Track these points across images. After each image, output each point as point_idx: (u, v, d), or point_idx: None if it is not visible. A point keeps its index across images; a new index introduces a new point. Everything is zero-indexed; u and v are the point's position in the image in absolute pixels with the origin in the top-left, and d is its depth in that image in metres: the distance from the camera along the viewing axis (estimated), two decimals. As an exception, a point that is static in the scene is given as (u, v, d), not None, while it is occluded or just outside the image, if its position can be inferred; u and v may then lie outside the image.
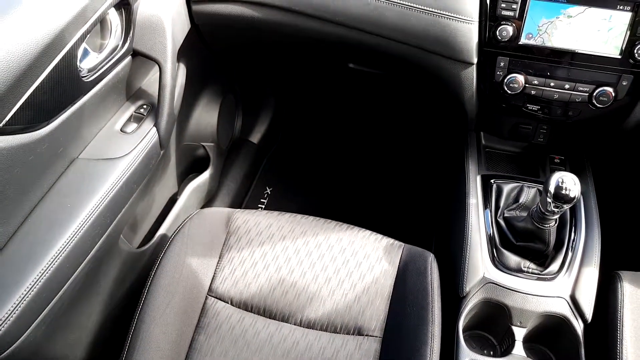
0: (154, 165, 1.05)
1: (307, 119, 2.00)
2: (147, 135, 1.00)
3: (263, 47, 1.34)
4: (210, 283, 0.99)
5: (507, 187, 1.09)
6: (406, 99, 1.64)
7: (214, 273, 1.00)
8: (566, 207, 0.86)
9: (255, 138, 1.76)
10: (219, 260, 1.02)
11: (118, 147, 0.96)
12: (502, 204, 1.07)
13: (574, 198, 0.84)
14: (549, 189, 0.85)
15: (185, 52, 1.13)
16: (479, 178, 1.12)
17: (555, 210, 0.87)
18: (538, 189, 1.09)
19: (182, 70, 1.16)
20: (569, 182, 0.84)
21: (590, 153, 1.17)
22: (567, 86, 1.00)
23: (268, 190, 1.75)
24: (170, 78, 1.01)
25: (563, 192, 0.84)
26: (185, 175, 1.44)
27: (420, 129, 1.85)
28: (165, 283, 0.93)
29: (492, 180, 1.10)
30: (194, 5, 1.10)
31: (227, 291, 0.98)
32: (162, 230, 1.25)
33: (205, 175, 1.43)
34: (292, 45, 1.28)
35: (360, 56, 1.23)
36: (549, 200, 0.86)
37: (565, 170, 1.06)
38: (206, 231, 1.04)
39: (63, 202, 0.84)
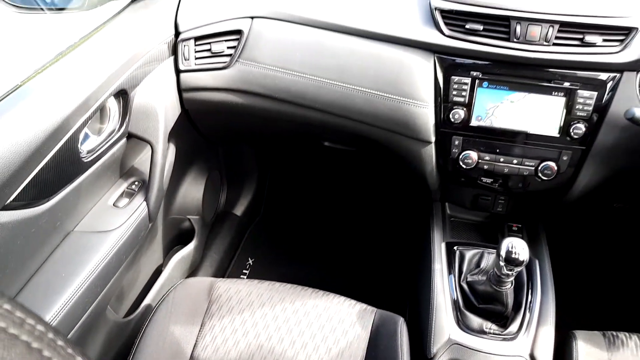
0: (142, 237, 1.13)
1: (288, 192, 2.11)
2: (137, 210, 1.09)
3: (248, 129, 1.47)
4: (192, 350, 1.04)
5: (469, 253, 1.18)
6: (378, 173, 1.78)
7: (196, 341, 1.05)
8: (517, 269, 0.95)
9: (238, 211, 1.86)
10: (200, 329, 1.07)
11: (110, 220, 1.05)
12: (464, 269, 1.16)
13: (523, 261, 0.94)
14: (501, 253, 0.94)
15: (175, 134, 1.24)
16: (443, 245, 1.22)
17: (509, 272, 0.96)
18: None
19: (172, 149, 1.27)
20: (519, 247, 0.94)
21: (545, 220, 1.28)
22: (515, 161, 1.13)
23: (250, 261, 1.82)
24: (161, 157, 1.12)
25: (513, 256, 0.94)
26: (171, 246, 1.51)
27: (391, 201, 1.97)
28: (149, 352, 0.98)
29: (455, 247, 1.20)
30: (185, 93, 1.24)
31: (208, 358, 1.03)
32: (147, 300, 1.30)
33: (190, 247, 1.51)
34: (274, 127, 1.41)
35: (333, 135, 1.37)
36: (501, 263, 0.95)
37: (522, 237, 1.17)
38: (189, 300, 1.10)
39: (58, 271, 0.91)
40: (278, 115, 1.24)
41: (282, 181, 2.10)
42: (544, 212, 1.28)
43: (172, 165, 1.26)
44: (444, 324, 1.06)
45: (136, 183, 1.16)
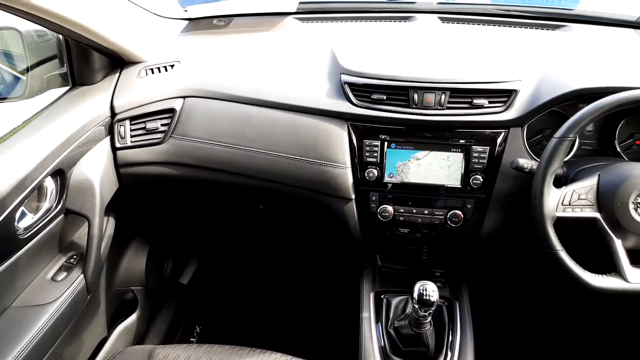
0: (80, 309, 1.16)
1: (230, 257, 2.18)
2: (74, 283, 1.13)
3: (185, 198, 1.55)
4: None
5: (395, 301, 1.27)
6: (312, 232, 1.87)
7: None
8: (430, 310, 1.04)
9: (185, 279, 1.90)
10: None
11: (47, 294, 1.09)
12: (391, 315, 1.24)
13: (434, 302, 1.03)
14: (414, 296, 1.04)
15: (114, 207, 1.31)
16: (372, 295, 1.30)
17: (423, 313, 1.05)
18: None
19: (111, 222, 1.33)
20: (429, 289, 1.04)
21: (464, 265, 1.39)
22: (426, 212, 1.25)
23: (198, 329, 1.84)
24: (98, 230, 1.18)
25: (424, 297, 1.03)
26: (115, 318, 1.53)
27: (328, 257, 2.07)
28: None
29: (382, 296, 1.29)
30: (122, 168, 1.32)
31: None
32: (88, 373, 1.31)
33: (133, 317, 1.53)
34: (210, 194, 1.50)
35: (266, 198, 1.47)
36: (415, 306, 1.04)
37: (444, 282, 1.27)
38: (129, 369, 1.13)
39: (-7, 347, 0.93)
40: (212, 183, 1.34)
41: (225, 248, 2.17)
42: (462, 256, 1.40)
43: (111, 238, 1.32)
44: (373, 369, 1.13)
45: (74, 257, 1.21)
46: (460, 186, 1.23)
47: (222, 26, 1.58)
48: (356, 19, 1.59)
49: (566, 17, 1.57)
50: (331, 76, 1.27)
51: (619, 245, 1.03)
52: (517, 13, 1.59)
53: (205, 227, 2.00)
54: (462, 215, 1.23)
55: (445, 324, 1.21)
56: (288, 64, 1.35)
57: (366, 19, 1.59)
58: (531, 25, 1.53)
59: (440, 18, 1.56)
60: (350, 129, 1.24)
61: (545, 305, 1.83)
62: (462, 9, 1.64)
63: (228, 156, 1.28)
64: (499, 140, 1.21)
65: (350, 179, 1.24)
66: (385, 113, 1.21)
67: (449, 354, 1.15)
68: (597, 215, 1.03)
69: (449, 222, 1.24)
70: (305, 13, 1.62)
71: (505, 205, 1.23)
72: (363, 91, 1.22)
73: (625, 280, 1.02)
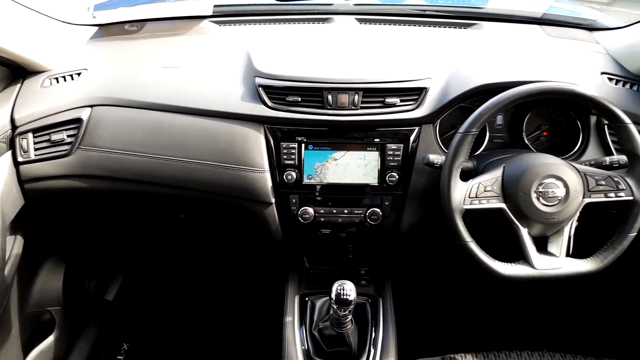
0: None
1: (155, 270, 2.12)
2: None
3: (101, 210, 1.49)
4: None
5: (319, 302, 1.27)
6: (236, 239, 1.85)
7: None
8: (349, 308, 1.05)
9: (110, 295, 1.82)
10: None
11: None
12: (315, 317, 1.24)
13: (352, 301, 1.04)
14: (332, 296, 1.03)
15: (19, 225, 1.23)
16: (297, 298, 1.29)
17: (343, 313, 1.05)
18: None
19: (18, 241, 1.25)
20: (347, 289, 1.04)
21: (388, 261, 1.41)
22: (346, 211, 1.25)
23: (125, 346, 1.76)
24: (0, 251, 1.11)
25: (342, 297, 1.03)
26: (32, 342, 1.44)
27: (253, 262, 2.05)
28: None
29: (307, 298, 1.28)
30: (26, 184, 1.25)
31: None
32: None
33: (50, 339, 1.45)
34: (125, 206, 1.45)
35: (186, 207, 1.43)
36: (334, 306, 1.04)
37: (369, 279, 1.27)
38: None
39: None
40: (126, 194, 1.29)
41: (149, 260, 2.10)
42: (385, 253, 1.41)
43: (19, 257, 1.24)
44: (297, 373, 1.12)
45: None
46: (377, 184, 1.24)
47: (134, 31, 1.52)
48: (274, 21, 1.58)
49: (477, 15, 1.62)
50: (246, 79, 1.26)
51: (525, 233, 1.07)
52: (432, 13, 1.63)
53: (127, 240, 1.93)
54: (380, 213, 1.25)
55: (369, 322, 1.22)
56: (202, 68, 1.32)
57: (284, 21, 1.58)
58: (445, 25, 1.57)
59: (358, 19, 1.58)
60: (267, 132, 1.22)
61: (465, 296, 1.89)
62: (378, 9, 1.67)
63: (141, 166, 1.24)
64: (412, 137, 1.23)
65: (269, 183, 1.23)
66: (300, 115, 1.20)
67: (372, 350, 1.16)
68: (503, 205, 1.07)
69: (368, 220, 1.25)
70: (222, 16, 1.60)
71: (422, 200, 1.25)
72: (278, 93, 1.21)
73: (532, 267, 1.06)
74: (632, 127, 1.04)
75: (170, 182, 1.25)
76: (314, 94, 1.20)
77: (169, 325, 1.90)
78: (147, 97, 1.26)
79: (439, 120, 1.26)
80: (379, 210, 1.25)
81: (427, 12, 1.64)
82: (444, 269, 1.79)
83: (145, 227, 1.79)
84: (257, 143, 1.22)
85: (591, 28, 1.52)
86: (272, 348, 1.60)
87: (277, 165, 1.23)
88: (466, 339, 1.76)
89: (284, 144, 1.22)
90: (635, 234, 1.07)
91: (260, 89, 1.21)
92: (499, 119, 1.35)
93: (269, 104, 1.21)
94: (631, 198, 1.05)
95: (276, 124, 1.22)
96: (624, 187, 1.06)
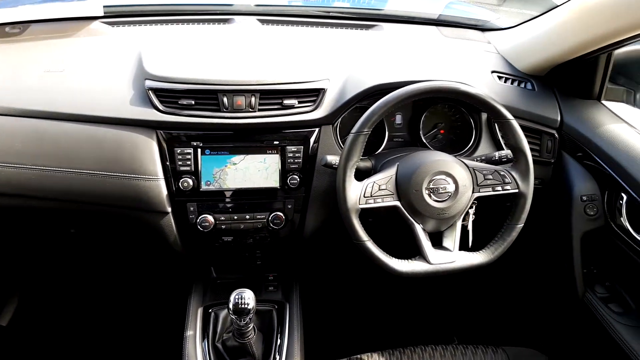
0: None
1: (52, 290, 1.97)
2: None
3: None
4: None
5: (223, 313, 1.22)
6: (136, 252, 1.76)
7: None
8: (248, 318, 1.01)
9: (4, 320, 1.67)
10: None
11: None
12: (219, 329, 1.19)
13: (251, 309, 1.00)
14: (230, 306, 1.00)
15: None
16: (200, 310, 1.24)
17: (242, 323, 1.02)
18: None
19: None
20: (245, 297, 1.01)
21: (296, 266, 1.39)
22: (247, 217, 1.22)
23: None
24: None
25: (240, 306, 1.00)
26: None
27: (155, 276, 1.95)
28: None
29: (210, 310, 1.23)
30: None
31: None
32: None
33: None
34: (9, 222, 1.33)
35: (76, 221, 1.33)
36: (232, 316, 1.00)
37: (277, 285, 1.24)
38: None
39: None
40: (6, 210, 1.18)
41: (43, 280, 1.95)
42: (292, 257, 1.40)
43: None
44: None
45: None
46: (278, 187, 1.22)
47: (16, 34, 1.40)
48: (171, 21, 1.51)
49: (378, 17, 1.65)
50: (136, 82, 1.19)
51: (419, 229, 1.09)
52: (334, 14, 1.64)
53: (20, 259, 1.78)
54: (283, 217, 1.22)
55: (274, 329, 1.19)
56: (90, 71, 1.24)
57: (182, 21, 1.52)
58: (346, 26, 1.58)
59: (260, 20, 1.55)
60: (160, 138, 1.16)
61: (375, 294, 1.92)
62: (280, 10, 1.65)
63: (20, 178, 1.14)
64: (312, 139, 1.22)
65: (164, 191, 1.17)
66: (195, 119, 1.15)
67: (277, 357, 1.13)
68: (397, 203, 1.08)
69: (271, 225, 1.23)
70: (115, 16, 1.51)
71: (325, 201, 1.24)
72: (170, 97, 1.15)
73: (428, 262, 1.07)
74: (514, 123, 1.09)
75: (54, 194, 1.16)
76: (208, 97, 1.16)
77: (67, 348, 1.77)
78: (28, 104, 1.16)
79: (338, 121, 1.26)
80: (281, 214, 1.22)
81: (329, 14, 1.64)
82: (351, 269, 1.80)
83: (37, 244, 1.66)
84: (148, 150, 1.16)
85: (483, 28, 1.59)
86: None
87: (172, 173, 1.17)
88: (377, 338, 1.78)
89: (179, 150, 1.17)
90: (523, 224, 1.13)
91: (150, 92, 1.15)
92: (398, 118, 1.37)
93: (161, 108, 1.15)
94: (517, 190, 1.10)
95: (169, 129, 1.16)
96: (510, 181, 1.10)
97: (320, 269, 1.65)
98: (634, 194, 1.15)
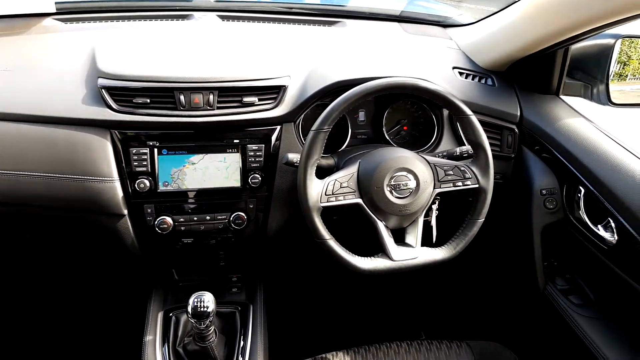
0: None
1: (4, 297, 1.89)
2: None
3: None
4: None
5: (184, 317, 1.19)
6: (95, 257, 1.71)
7: None
8: (208, 321, 0.99)
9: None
10: None
11: None
12: (180, 333, 1.16)
13: (212, 312, 0.98)
14: (189, 309, 0.97)
15: None
16: (161, 314, 1.21)
17: (202, 326, 0.99)
18: None
19: None
20: (205, 300, 0.98)
21: (260, 267, 1.37)
22: (208, 217, 1.19)
23: None
24: None
25: (200, 309, 0.97)
26: None
27: (116, 281, 1.88)
28: None
29: (171, 314, 1.20)
30: None
31: None
32: None
33: None
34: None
35: (29, 227, 1.28)
36: (191, 320, 0.97)
37: (240, 286, 1.22)
38: None
39: None
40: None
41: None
42: (256, 258, 1.37)
43: None
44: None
45: None
46: (240, 186, 1.19)
47: (-40, 30, 1.34)
48: (128, 18, 1.47)
49: (341, 13, 1.63)
50: (89, 81, 1.14)
51: (382, 226, 1.08)
52: (296, 10, 1.62)
53: None
54: (245, 217, 1.20)
55: (237, 330, 1.17)
56: (40, 70, 1.18)
57: (139, 17, 1.47)
58: (309, 22, 1.56)
59: (220, 16, 1.52)
60: (114, 138, 1.12)
61: (340, 293, 1.92)
62: (241, 6, 1.62)
63: (-34, 182, 1.08)
64: (273, 137, 1.19)
65: (119, 193, 1.13)
66: (151, 117, 1.12)
67: (240, 359, 1.11)
68: (359, 200, 1.07)
69: (233, 225, 1.20)
70: (69, 13, 1.46)
71: (288, 200, 1.23)
72: (124, 95, 1.11)
73: (391, 259, 1.07)
74: (473, 119, 1.09)
75: (3, 199, 1.10)
76: (164, 95, 1.12)
77: (23, 357, 1.70)
78: None
79: (301, 119, 1.24)
80: (243, 214, 1.20)
81: (291, 10, 1.62)
82: (316, 268, 1.79)
83: None
84: (102, 150, 1.11)
85: (445, 25, 1.60)
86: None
87: (127, 174, 1.13)
88: (344, 337, 1.77)
89: (134, 150, 1.13)
90: (484, 219, 1.13)
91: (103, 90, 1.11)
92: (362, 115, 1.36)
93: (115, 107, 1.11)
94: (477, 185, 1.11)
95: (124, 129, 1.12)
96: (470, 176, 1.10)
97: (284, 268, 1.63)
98: (591, 187, 1.17)
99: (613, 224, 1.13)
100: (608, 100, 1.36)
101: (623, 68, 1.51)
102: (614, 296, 1.24)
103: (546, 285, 1.34)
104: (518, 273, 1.44)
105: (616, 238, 1.13)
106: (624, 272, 1.13)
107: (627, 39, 1.42)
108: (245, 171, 1.19)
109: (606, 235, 1.16)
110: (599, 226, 1.19)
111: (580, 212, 1.24)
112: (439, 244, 1.15)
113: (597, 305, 1.27)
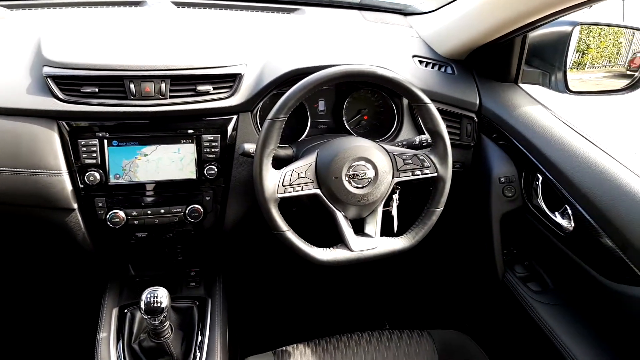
0: None
1: None
2: None
3: None
4: None
5: (139, 313, 1.15)
6: (44, 253, 1.65)
7: None
8: (162, 317, 0.96)
9: None
10: None
11: None
12: (135, 329, 1.13)
13: (165, 308, 0.95)
14: (141, 305, 0.93)
15: None
16: (115, 310, 1.17)
17: (156, 322, 0.96)
18: None
19: None
20: (158, 295, 0.95)
21: (219, 260, 1.34)
22: (162, 211, 1.15)
23: None
24: None
25: (153, 305, 0.94)
26: None
27: (67, 277, 1.82)
28: None
29: (126, 310, 1.16)
30: None
31: None
32: None
33: None
34: None
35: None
36: (145, 316, 0.94)
37: (199, 280, 1.19)
38: None
39: None
40: None
41: None
42: (214, 251, 1.34)
43: None
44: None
45: None
46: (195, 178, 1.15)
47: None
48: (79, 4, 1.40)
49: (300, 0, 1.60)
50: (34, 69, 1.09)
51: (341, 217, 1.07)
52: (254, -3, 1.58)
53: None
54: (201, 209, 1.16)
55: (195, 326, 1.14)
56: (-21, 58, 1.12)
57: (90, 4, 1.41)
58: (267, 9, 1.52)
59: (175, 2, 1.47)
60: (61, 129, 1.07)
61: (301, 285, 1.91)
62: (198, -7, 1.57)
63: None
64: (229, 127, 1.16)
65: (68, 186, 1.08)
66: (99, 107, 1.07)
67: (198, 354, 1.09)
68: (318, 191, 1.05)
69: (188, 218, 1.16)
70: (15, -1, 1.38)
71: (245, 192, 1.19)
72: (70, 84, 1.06)
73: (350, 249, 1.06)
74: (432, 107, 1.08)
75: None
76: (113, 84, 1.07)
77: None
78: None
79: (258, 108, 1.21)
80: (199, 206, 1.16)
81: (249, -3, 1.58)
82: (276, 260, 1.77)
83: None
84: (49, 142, 1.06)
85: (406, 13, 1.59)
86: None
87: (76, 166, 1.09)
88: (306, 329, 1.76)
89: (83, 142, 1.08)
90: (442, 208, 1.13)
91: (49, 79, 1.05)
92: (322, 105, 1.34)
93: (61, 97, 1.06)
94: (435, 174, 1.10)
95: (71, 119, 1.07)
96: (429, 165, 1.10)
97: (244, 261, 1.60)
98: (548, 175, 1.18)
99: (570, 211, 1.15)
100: (566, 88, 1.37)
101: (582, 57, 1.53)
102: (571, 283, 1.26)
103: (505, 272, 1.35)
104: (478, 261, 1.45)
105: (573, 225, 1.14)
106: (580, 259, 1.15)
107: (585, 26, 1.43)
108: (200, 162, 1.15)
109: (563, 222, 1.18)
110: (557, 213, 1.20)
111: (538, 199, 1.25)
112: (400, 233, 1.14)
113: (555, 291, 1.29)
